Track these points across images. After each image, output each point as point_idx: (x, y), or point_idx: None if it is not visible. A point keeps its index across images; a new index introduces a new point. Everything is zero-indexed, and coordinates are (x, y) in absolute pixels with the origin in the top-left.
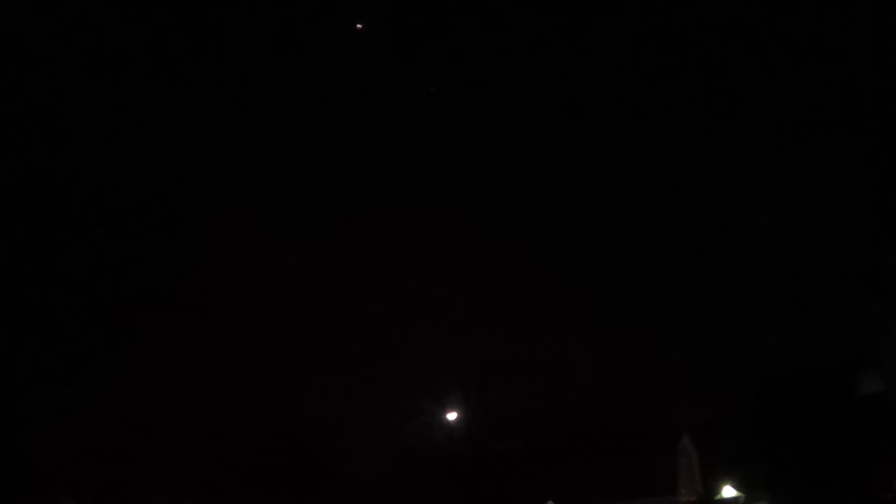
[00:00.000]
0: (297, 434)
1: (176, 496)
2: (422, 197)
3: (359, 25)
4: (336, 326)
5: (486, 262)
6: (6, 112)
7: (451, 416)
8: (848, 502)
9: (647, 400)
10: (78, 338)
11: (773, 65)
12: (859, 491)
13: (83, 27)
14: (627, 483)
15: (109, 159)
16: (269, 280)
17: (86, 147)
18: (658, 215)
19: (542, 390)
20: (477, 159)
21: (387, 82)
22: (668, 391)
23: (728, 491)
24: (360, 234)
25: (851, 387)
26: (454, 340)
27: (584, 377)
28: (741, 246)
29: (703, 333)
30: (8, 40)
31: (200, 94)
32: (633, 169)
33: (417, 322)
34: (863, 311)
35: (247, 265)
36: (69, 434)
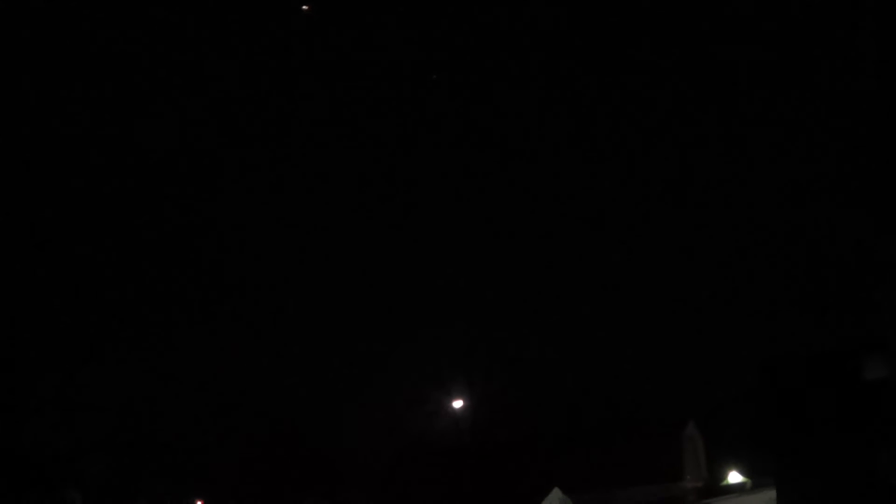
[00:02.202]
0: (303, 422)
1: (180, 488)
2: (425, 194)
3: (304, 7)
4: (344, 316)
5: (490, 253)
6: (7, 111)
7: (457, 404)
8: (854, 488)
9: (653, 386)
10: (83, 330)
11: (776, 57)
12: (865, 476)
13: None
14: (633, 470)
15: (107, 156)
16: (277, 271)
17: (85, 145)
18: (661, 201)
19: (548, 378)
20: (479, 157)
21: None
22: (674, 377)
23: (734, 477)
24: (369, 228)
25: (857, 372)
26: (459, 329)
27: (589, 364)
28: (746, 232)
29: (708, 319)
30: (7, 40)
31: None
32: (632, 154)
33: (423, 311)
34: (868, 297)
35: (254, 257)
36: (74, 426)
